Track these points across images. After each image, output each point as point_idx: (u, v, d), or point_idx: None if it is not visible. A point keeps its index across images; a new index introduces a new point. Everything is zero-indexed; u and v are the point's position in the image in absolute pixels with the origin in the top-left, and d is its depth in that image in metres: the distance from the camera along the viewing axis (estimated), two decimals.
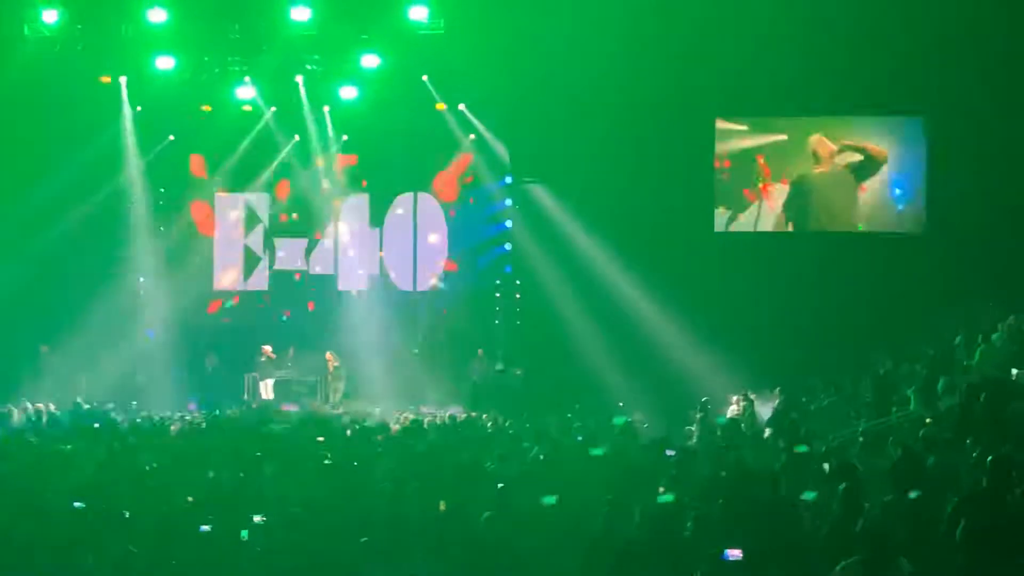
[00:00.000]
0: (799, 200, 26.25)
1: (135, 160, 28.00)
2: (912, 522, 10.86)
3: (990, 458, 11.23)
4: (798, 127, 26.35)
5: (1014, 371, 16.39)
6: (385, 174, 28.49)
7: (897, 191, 25.86)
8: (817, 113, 26.23)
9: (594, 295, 25.78)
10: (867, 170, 25.91)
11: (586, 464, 15.52)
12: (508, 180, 28.11)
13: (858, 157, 25.95)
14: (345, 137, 28.26)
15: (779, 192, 26.34)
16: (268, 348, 27.36)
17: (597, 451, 10.73)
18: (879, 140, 25.99)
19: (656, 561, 10.29)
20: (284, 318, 28.69)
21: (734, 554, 9.44)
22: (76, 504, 12.58)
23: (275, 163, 28.50)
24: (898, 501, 11.40)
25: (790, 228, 26.33)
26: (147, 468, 15.22)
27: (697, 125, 26.05)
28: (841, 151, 25.99)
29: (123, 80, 26.90)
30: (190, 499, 13.14)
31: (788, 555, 10.40)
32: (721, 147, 26.36)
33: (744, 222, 26.41)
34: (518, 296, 27.98)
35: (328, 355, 27.20)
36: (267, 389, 27.05)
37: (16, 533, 11.78)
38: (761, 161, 26.30)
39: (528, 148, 26.79)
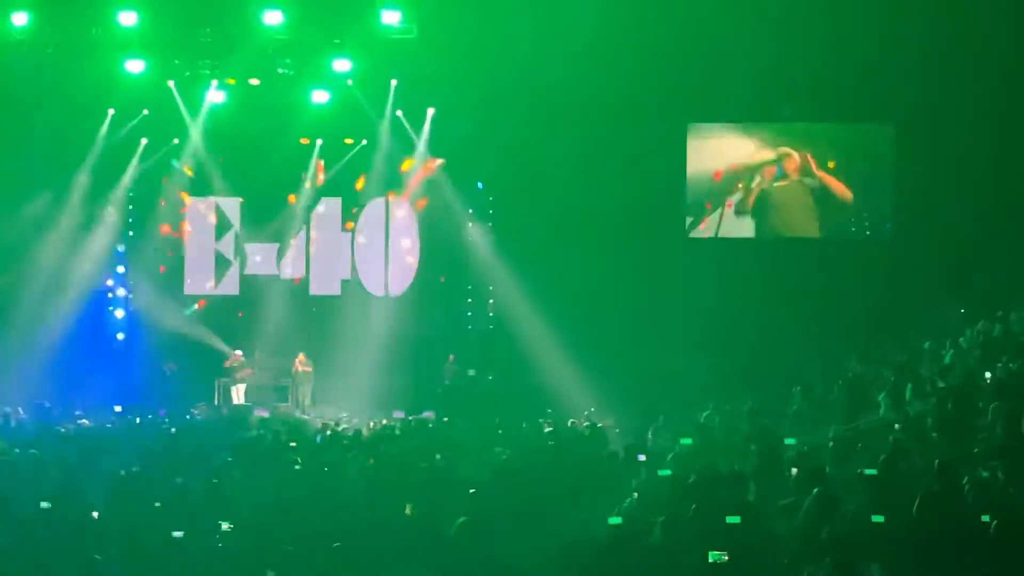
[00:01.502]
0: (761, 207, 26.37)
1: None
2: (883, 528, 10.93)
3: (937, 462, 11.35)
4: (768, 133, 26.45)
5: (988, 375, 16.49)
6: (356, 178, 28.44)
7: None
8: (788, 119, 26.34)
9: (566, 300, 25.77)
10: (827, 203, 26.07)
11: (558, 469, 15.55)
12: (480, 186, 28.16)
13: (819, 186, 26.12)
14: (320, 142, 28.16)
15: (739, 192, 26.48)
16: (239, 353, 27.26)
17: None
18: (848, 152, 26.13)
19: (629, 566, 10.32)
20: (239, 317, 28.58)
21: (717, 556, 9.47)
22: (43, 504, 12.52)
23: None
24: (869, 506, 11.48)
25: (750, 234, 26.43)
26: (121, 473, 15.14)
27: (669, 130, 26.10)
28: (807, 174, 26.13)
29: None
30: (157, 504, 13.08)
31: (759, 560, 10.45)
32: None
33: (705, 228, 26.51)
34: (491, 301, 27.96)
35: (299, 357, 27.12)
36: (239, 394, 26.93)
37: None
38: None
39: (499, 152, 26.75)
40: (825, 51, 24.32)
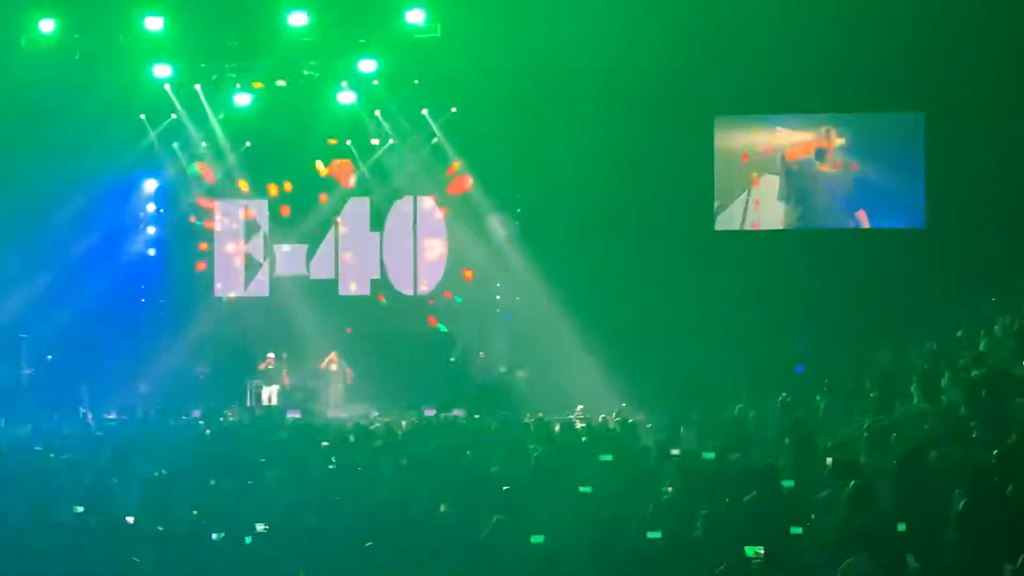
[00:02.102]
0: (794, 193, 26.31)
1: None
2: (919, 519, 10.86)
3: (995, 452, 11.25)
4: (797, 125, 26.33)
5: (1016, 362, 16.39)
6: (385, 177, 28.51)
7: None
8: (817, 110, 26.21)
9: (596, 295, 25.74)
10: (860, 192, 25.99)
11: (591, 466, 15.52)
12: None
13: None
14: (349, 142, 28.23)
15: (768, 183, 26.36)
16: (271, 355, 27.33)
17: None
18: (876, 137, 25.99)
19: (668, 561, 10.29)
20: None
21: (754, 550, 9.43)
22: (77, 508, 12.59)
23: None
24: (906, 498, 11.41)
25: (779, 222, 26.33)
26: (155, 475, 15.22)
27: (696, 124, 26.01)
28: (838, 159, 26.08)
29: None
30: (194, 512, 13.13)
31: (797, 552, 10.40)
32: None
33: (733, 212, 26.41)
34: (518, 298, 27.95)
35: (331, 356, 27.20)
36: (271, 396, 27.01)
37: (22, 542, 11.79)
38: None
39: (526, 150, 26.71)
40: (853, 40, 24.14)
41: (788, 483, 11.14)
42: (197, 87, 26.99)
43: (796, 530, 10.37)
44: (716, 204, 26.53)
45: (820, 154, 26.19)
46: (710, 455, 14.65)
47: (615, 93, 25.17)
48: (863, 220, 25.96)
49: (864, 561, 9.29)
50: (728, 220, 26.54)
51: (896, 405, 18.06)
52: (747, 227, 26.46)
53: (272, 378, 27.11)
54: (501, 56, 25.32)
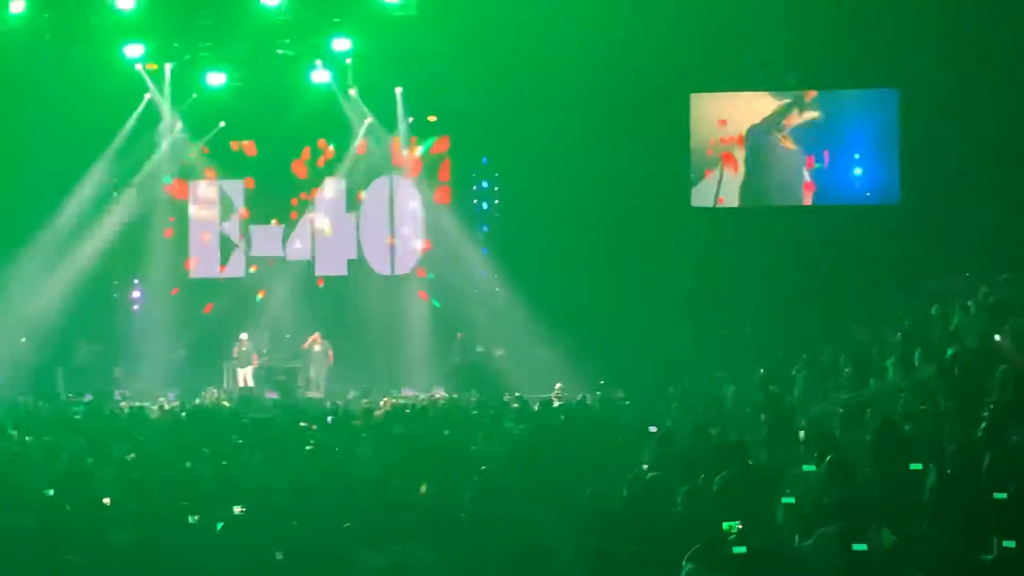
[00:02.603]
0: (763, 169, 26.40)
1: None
2: (894, 493, 10.93)
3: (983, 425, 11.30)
4: (773, 100, 26.37)
5: (997, 337, 16.47)
6: (360, 158, 28.41)
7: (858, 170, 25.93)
8: (792, 87, 26.24)
9: (574, 274, 25.76)
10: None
11: (570, 443, 15.57)
12: (485, 161, 28.14)
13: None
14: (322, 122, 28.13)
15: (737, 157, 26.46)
16: (245, 336, 27.26)
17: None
18: (853, 118, 26.04)
19: (646, 536, 10.32)
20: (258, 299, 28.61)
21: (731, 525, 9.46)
22: (48, 492, 12.54)
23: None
24: (881, 472, 11.48)
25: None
26: (127, 458, 15.17)
27: (671, 101, 26.01)
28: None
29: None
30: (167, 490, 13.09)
31: (771, 526, 10.45)
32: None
33: (707, 184, 26.44)
34: (497, 276, 27.95)
35: (315, 336, 27.15)
36: (247, 377, 26.95)
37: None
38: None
39: (502, 129, 26.68)
40: (828, 17, 24.15)
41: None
42: (167, 67, 26.75)
43: (788, 500, 10.35)
44: (692, 179, 26.54)
45: (790, 129, 26.21)
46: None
47: (591, 70, 25.10)
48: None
49: (834, 533, 9.35)
50: (702, 196, 26.56)
51: (871, 381, 18.18)
52: (717, 202, 26.49)
53: (246, 360, 27.04)
54: (477, 34, 25.23)
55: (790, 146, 26.18)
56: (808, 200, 26.21)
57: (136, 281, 29.10)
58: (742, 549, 9.09)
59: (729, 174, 26.46)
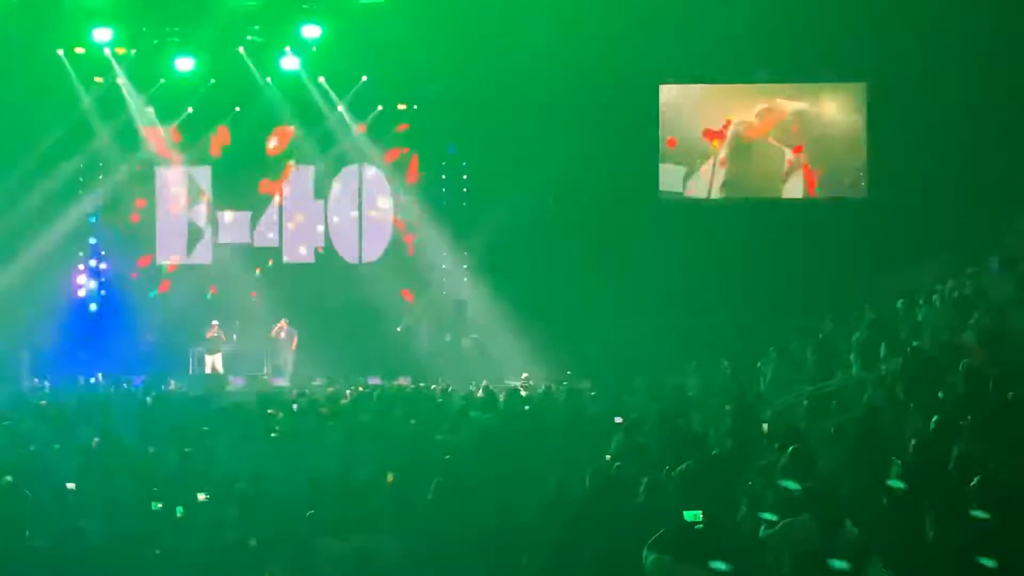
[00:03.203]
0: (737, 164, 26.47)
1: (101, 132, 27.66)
2: (858, 485, 11.01)
3: (935, 418, 11.40)
4: (742, 93, 26.45)
5: (950, 331, 16.60)
6: (328, 145, 28.33)
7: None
8: (759, 80, 26.32)
9: (541, 263, 25.79)
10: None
11: (536, 433, 15.60)
12: (452, 151, 28.13)
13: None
14: (288, 108, 27.99)
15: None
16: (216, 323, 27.15)
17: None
18: (819, 111, 26.14)
19: (609, 526, 10.37)
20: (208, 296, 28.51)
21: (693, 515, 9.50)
22: (6, 478, 12.48)
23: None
24: (842, 464, 11.56)
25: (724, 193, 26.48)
26: (94, 443, 15.11)
27: (640, 91, 26.04)
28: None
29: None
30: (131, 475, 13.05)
31: (734, 518, 10.52)
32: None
33: (701, 180, 26.51)
34: (466, 267, 27.95)
35: (281, 324, 27.09)
36: (215, 364, 26.87)
37: None
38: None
39: (471, 118, 26.65)
40: (796, 9, 24.23)
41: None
42: (132, 51, 26.54)
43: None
44: (663, 167, 26.57)
45: (762, 122, 26.31)
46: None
47: (561, 58, 25.08)
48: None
49: (802, 523, 9.44)
50: (670, 185, 26.60)
51: (836, 374, 18.29)
52: (690, 193, 26.55)
53: (216, 346, 26.96)
54: (447, 22, 25.20)
55: (770, 140, 26.26)
56: (787, 193, 26.28)
57: (104, 266, 28.88)
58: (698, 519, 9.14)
59: (703, 165, 26.51)
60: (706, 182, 26.52)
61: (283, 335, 27.09)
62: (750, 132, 26.38)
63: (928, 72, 23.89)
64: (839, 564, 8.69)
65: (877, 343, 17.68)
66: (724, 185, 26.49)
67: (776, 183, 26.38)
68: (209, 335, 27.05)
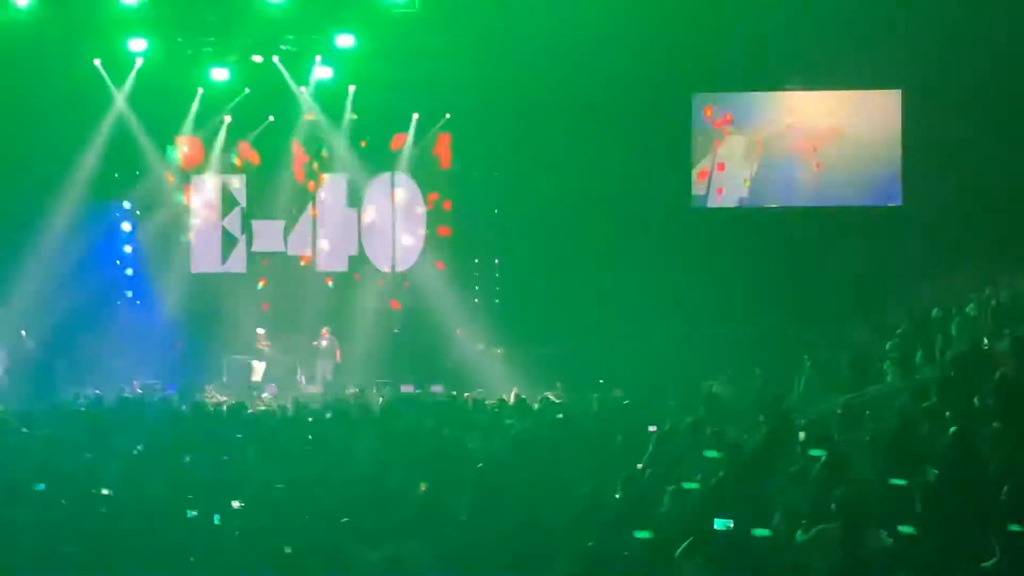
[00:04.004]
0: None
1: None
2: (891, 495, 10.94)
3: (953, 429, 11.33)
4: (775, 102, 26.38)
5: (985, 340, 16.48)
6: (362, 154, 28.42)
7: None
8: (795, 87, 26.23)
9: (573, 272, 25.78)
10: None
11: (568, 442, 15.60)
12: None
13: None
14: (323, 118, 28.09)
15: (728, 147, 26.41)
16: (262, 331, 27.24)
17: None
18: (855, 119, 26.02)
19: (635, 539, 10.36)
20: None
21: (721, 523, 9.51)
22: (39, 486, 12.59)
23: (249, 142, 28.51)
24: (878, 474, 11.49)
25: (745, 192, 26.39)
26: (134, 452, 15.22)
27: (673, 101, 26.01)
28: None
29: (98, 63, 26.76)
30: (169, 484, 13.10)
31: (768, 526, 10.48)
32: None
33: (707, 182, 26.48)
34: (497, 275, 27.97)
35: (323, 332, 27.19)
36: (258, 372, 26.94)
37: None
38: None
39: (505, 127, 26.69)
40: (830, 17, 24.16)
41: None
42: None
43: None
44: (694, 178, 26.55)
45: (796, 129, 26.23)
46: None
47: (594, 66, 25.08)
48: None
49: (834, 530, 9.40)
50: (703, 193, 26.56)
51: (870, 383, 18.18)
52: (712, 193, 26.47)
53: (262, 354, 27.04)
54: (480, 31, 25.25)
55: (799, 146, 26.18)
56: (813, 201, 26.17)
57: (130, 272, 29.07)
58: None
59: (732, 172, 26.45)
60: (713, 187, 26.44)
61: (324, 343, 27.16)
62: (781, 141, 26.29)
63: (964, 78, 23.75)
64: None
65: (912, 352, 17.57)
66: (751, 192, 26.40)
67: (804, 191, 26.24)
68: (258, 345, 27.15)
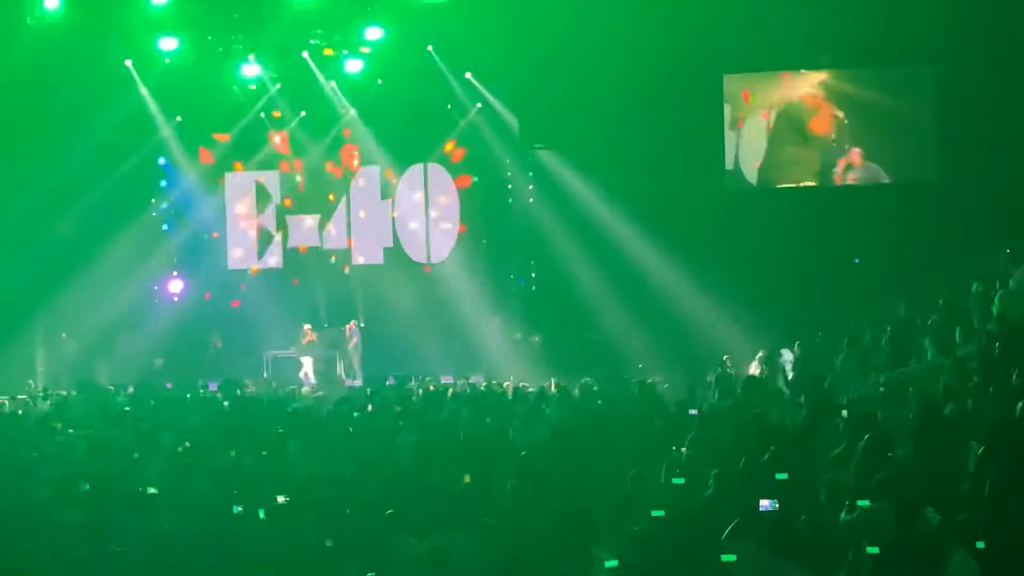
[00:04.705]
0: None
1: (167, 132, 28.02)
2: (937, 472, 10.88)
3: (1020, 405, 11.22)
4: (807, 81, 26.20)
5: None
6: (394, 147, 28.45)
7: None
8: (826, 66, 26.04)
9: (609, 257, 25.75)
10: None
11: (609, 428, 15.58)
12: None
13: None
14: (353, 111, 28.14)
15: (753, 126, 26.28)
16: (308, 327, 27.34)
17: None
18: (889, 96, 25.81)
19: (681, 522, 10.33)
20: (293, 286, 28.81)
21: (766, 504, 9.48)
22: (85, 487, 12.68)
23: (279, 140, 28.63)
24: (921, 451, 11.43)
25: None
26: (179, 449, 15.29)
27: (704, 83, 25.89)
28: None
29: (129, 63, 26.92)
30: (213, 479, 13.15)
31: (812, 508, 10.44)
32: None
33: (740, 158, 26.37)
34: (532, 262, 27.97)
35: (350, 325, 27.31)
36: (308, 367, 27.05)
37: (47, 517, 11.87)
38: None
39: (536, 114, 26.68)
40: None
41: None
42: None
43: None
44: (726, 159, 26.41)
45: (826, 106, 26.06)
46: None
47: (625, 53, 24.98)
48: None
49: (884, 510, 9.34)
50: (735, 171, 26.44)
51: (911, 360, 18.08)
52: (746, 173, 26.33)
53: (309, 350, 27.14)
54: (509, 21, 25.20)
55: (827, 123, 26.01)
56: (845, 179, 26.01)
57: (175, 274, 29.24)
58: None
59: (764, 152, 26.31)
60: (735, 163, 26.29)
61: (352, 337, 27.32)
62: (812, 118, 26.11)
63: (998, 52, 23.49)
64: None
65: (952, 328, 17.46)
66: (775, 170, 26.23)
67: (836, 169, 26.06)
68: (305, 340, 27.25)
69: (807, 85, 26.19)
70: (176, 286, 29.01)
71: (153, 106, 27.64)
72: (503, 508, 11.61)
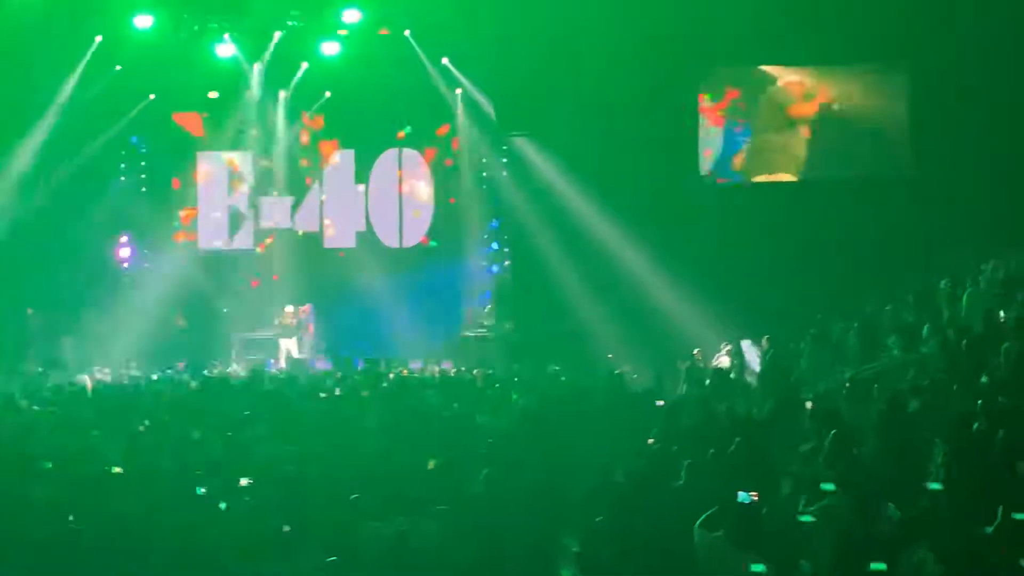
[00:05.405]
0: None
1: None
2: (900, 468, 10.95)
3: (980, 402, 11.31)
4: (784, 75, 26.27)
5: (1002, 314, 16.43)
6: (368, 131, 28.36)
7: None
8: (801, 63, 26.10)
9: (582, 247, 25.75)
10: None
11: (577, 417, 15.61)
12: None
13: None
14: (328, 94, 28.02)
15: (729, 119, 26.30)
16: (290, 308, 27.14)
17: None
18: (863, 92, 25.90)
19: (651, 509, 10.37)
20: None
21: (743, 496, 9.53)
22: (47, 464, 12.63)
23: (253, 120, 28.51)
24: (885, 448, 11.50)
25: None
26: (140, 428, 15.23)
27: (682, 75, 25.90)
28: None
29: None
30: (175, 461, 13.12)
31: (777, 502, 10.49)
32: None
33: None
34: (506, 250, 27.96)
35: (302, 309, 27.10)
36: (293, 349, 26.84)
37: (7, 496, 11.82)
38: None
39: (513, 100, 26.63)
40: None
41: None
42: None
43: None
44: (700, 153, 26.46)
45: (799, 103, 26.15)
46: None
47: (603, 39, 24.94)
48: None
49: (842, 506, 9.41)
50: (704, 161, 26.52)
51: (878, 356, 18.16)
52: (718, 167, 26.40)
53: (290, 331, 26.94)
54: (490, 5, 25.12)
55: (806, 121, 26.10)
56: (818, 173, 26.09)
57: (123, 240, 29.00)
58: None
59: (737, 147, 26.38)
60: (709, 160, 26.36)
61: (299, 319, 27.05)
62: (784, 114, 26.18)
63: (971, 51, 23.60)
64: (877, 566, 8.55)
65: (920, 324, 17.54)
66: (749, 165, 26.30)
67: (809, 163, 26.14)
68: (284, 321, 27.04)
69: (785, 80, 26.25)
70: (125, 252, 28.73)
71: (126, 84, 27.38)
72: (471, 493, 11.62)
